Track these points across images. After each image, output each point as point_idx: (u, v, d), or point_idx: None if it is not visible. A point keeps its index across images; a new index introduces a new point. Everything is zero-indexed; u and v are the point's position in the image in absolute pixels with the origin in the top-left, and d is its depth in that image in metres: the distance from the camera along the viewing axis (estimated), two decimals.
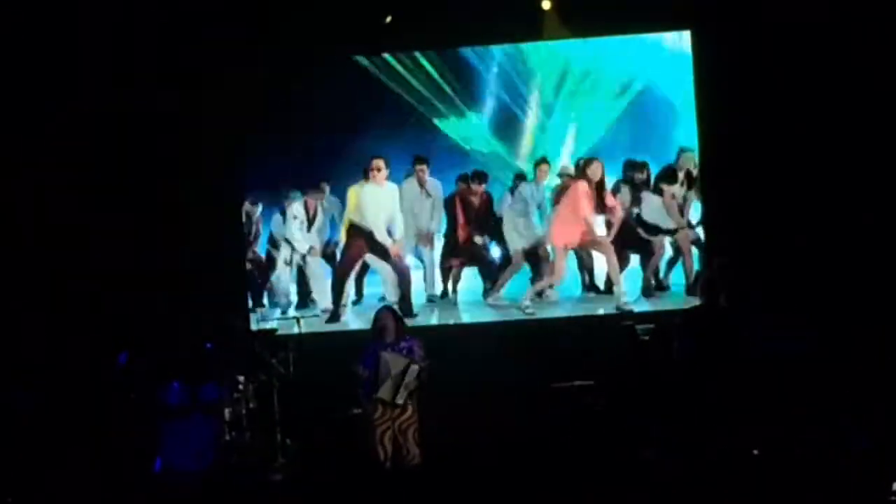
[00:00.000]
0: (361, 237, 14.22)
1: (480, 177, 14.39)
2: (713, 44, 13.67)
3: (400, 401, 11.48)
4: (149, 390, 12.40)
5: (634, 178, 14.26)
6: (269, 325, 13.61)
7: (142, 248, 13.68)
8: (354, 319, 14.28)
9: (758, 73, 13.41)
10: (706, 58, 13.74)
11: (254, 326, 13.50)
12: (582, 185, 13.83)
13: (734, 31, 13.49)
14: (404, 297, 14.13)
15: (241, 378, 12.57)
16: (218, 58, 13.71)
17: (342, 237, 14.38)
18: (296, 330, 13.60)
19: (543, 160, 14.39)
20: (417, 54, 14.24)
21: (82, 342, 13.15)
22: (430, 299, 14.58)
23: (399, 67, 14.26)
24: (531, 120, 14.40)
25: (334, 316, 14.26)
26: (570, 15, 13.67)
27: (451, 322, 14.19)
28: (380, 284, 14.52)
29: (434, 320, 14.21)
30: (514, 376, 12.83)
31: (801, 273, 13.16)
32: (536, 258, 14.40)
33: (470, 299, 14.56)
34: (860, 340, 11.92)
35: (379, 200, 14.16)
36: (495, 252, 14.61)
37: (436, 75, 14.26)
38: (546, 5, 13.77)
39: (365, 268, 14.57)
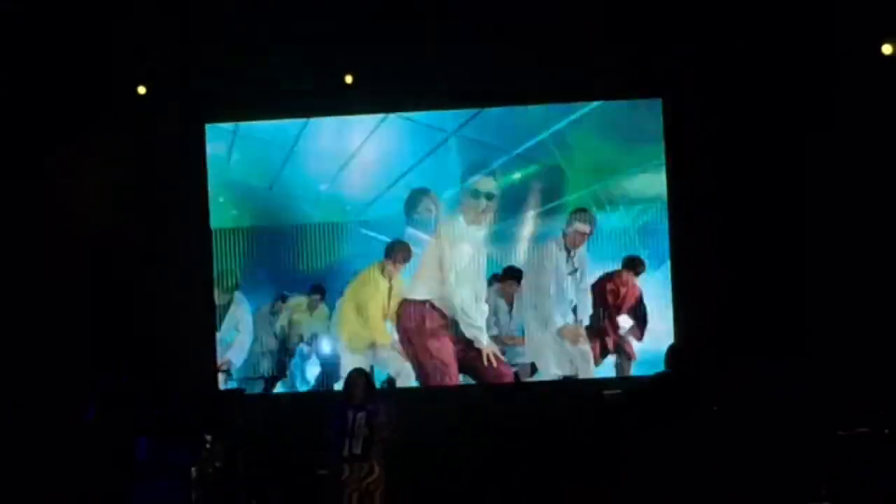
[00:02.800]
0: None
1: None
2: (683, 112, 13.80)
3: (357, 451, 11.43)
4: (117, 445, 12.32)
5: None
6: (235, 385, 13.58)
7: (110, 304, 13.63)
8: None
9: (728, 140, 13.54)
10: (676, 125, 13.85)
11: (221, 386, 13.44)
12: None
13: (704, 99, 13.64)
14: None
15: (208, 437, 12.52)
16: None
17: None
18: (263, 390, 13.62)
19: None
20: None
21: (49, 396, 13.05)
22: None
23: None
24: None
25: None
26: (543, 81, 13.74)
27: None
28: None
29: None
30: (483, 440, 12.82)
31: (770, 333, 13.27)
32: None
33: None
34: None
35: None
36: None
37: None
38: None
39: None
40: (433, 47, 13.40)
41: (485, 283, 13.95)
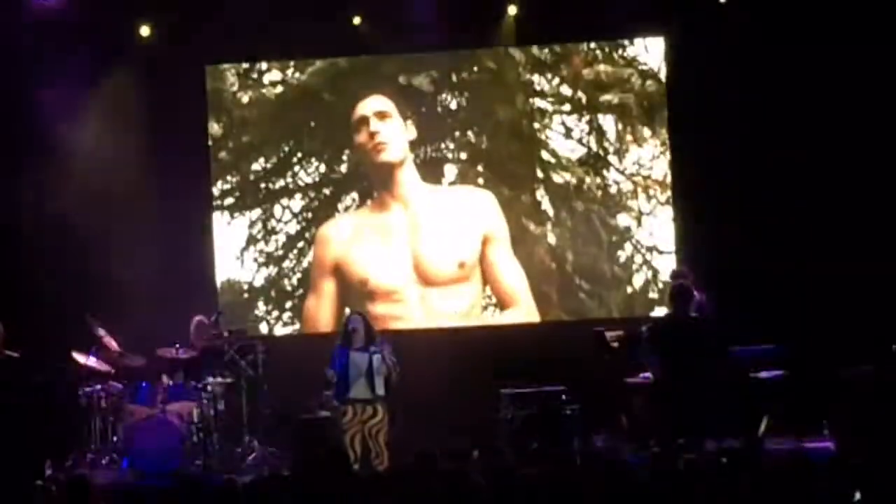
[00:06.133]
0: None
1: None
2: (686, 51, 13.69)
3: (380, 391, 11.44)
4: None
5: None
6: (238, 326, 13.55)
7: (111, 252, 13.53)
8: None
9: (731, 79, 13.42)
10: (678, 65, 13.74)
11: (222, 327, 13.39)
12: None
13: (707, 38, 13.51)
14: None
15: (210, 379, 12.54)
16: None
17: None
18: (265, 331, 13.59)
19: None
20: None
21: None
22: None
23: None
24: None
25: None
26: (542, 20, 13.62)
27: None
28: None
29: None
30: (484, 380, 12.80)
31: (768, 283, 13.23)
32: None
33: None
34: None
35: None
36: None
37: None
38: (512, 10, 13.67)
39: None
40: None
41: None
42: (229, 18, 13.42)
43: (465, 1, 13.49)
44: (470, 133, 14.11)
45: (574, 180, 13.95)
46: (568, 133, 14.01)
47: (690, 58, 13.70)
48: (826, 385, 12.03)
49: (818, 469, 7.75)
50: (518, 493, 7.72)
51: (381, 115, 13.88)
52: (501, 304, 13.85)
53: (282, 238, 14.18)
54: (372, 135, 13.84)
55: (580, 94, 14.01)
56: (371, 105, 13.91)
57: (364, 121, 13.89)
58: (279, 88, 14.19)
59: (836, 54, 13.10)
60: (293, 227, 14.17)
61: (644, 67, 13.93)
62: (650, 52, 13.93)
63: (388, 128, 13.87)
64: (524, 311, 13.84)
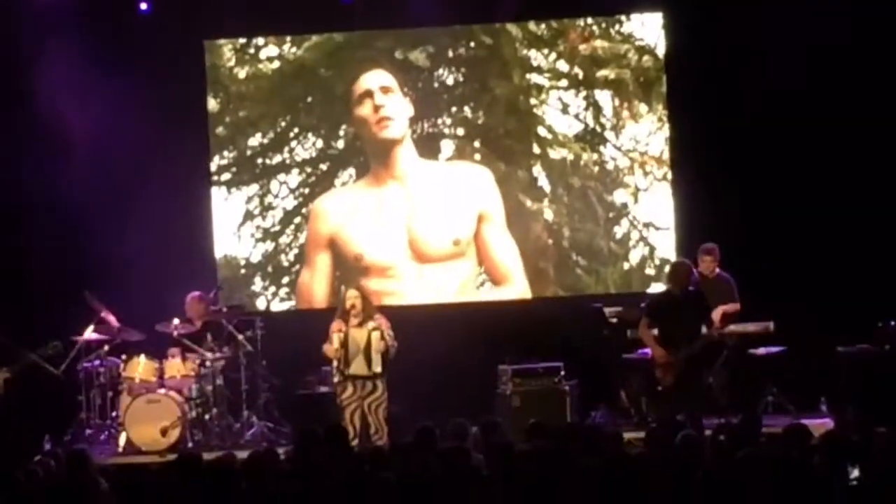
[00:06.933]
0: None
1: None
2: (682, 26, 13.68)
3: (377, 369, 11.44)
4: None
5: None
6: (237, 302, 13.57)
7: (110, 228, 13.51)
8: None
9: (728, 55, 13.40)
10: (675, 40, 13.74)
11: (221, 302, 13.41)
12: None
13: (703, 13, 13.49)
14: None
15: (209, 354, 12.56)
16: None
17: None
18: (262, 307, 13.58)
19: None
20: None
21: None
22: None
23: None
24: None
25: None
26: None
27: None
28: None
29: None
30: (481, 356, 12.83)
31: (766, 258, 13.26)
32: None
33: None
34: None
35: None
36: None
37: None
38: None
39: None
40: None
41: None
42: None
43: None
44: (466, 109, 14.12)
45: (571, 156, 13.96)
46: (565, 109, 14.01)
47: (687, 33, 13.68)
48: (824, 362, 12.08)
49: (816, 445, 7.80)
50: (516, 468, 7.76)
51: (385, 90, 13.88)
52: (495, 282, 13.87)
53: (278, 214, 14.19)
54: (377, 108, 13.84)
55: (577, 69, 13.99)
56: (375, 79, 13.90)
57: (368, 94, 13.89)
58: (276, 64, 14.19)
59: (836, 31, 13.04)
60: (290, 203, 14.18)
61: (641, 43, 13.92)
62: (647, 27, 13.90)
63: (392, 102, 13.87)
64: (518, 288, 13.85)
